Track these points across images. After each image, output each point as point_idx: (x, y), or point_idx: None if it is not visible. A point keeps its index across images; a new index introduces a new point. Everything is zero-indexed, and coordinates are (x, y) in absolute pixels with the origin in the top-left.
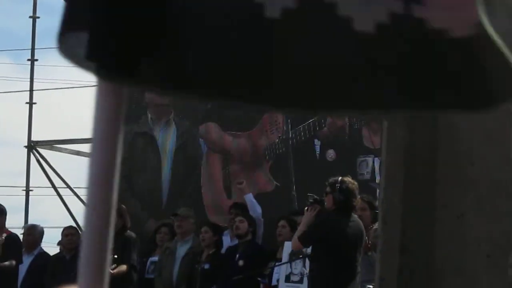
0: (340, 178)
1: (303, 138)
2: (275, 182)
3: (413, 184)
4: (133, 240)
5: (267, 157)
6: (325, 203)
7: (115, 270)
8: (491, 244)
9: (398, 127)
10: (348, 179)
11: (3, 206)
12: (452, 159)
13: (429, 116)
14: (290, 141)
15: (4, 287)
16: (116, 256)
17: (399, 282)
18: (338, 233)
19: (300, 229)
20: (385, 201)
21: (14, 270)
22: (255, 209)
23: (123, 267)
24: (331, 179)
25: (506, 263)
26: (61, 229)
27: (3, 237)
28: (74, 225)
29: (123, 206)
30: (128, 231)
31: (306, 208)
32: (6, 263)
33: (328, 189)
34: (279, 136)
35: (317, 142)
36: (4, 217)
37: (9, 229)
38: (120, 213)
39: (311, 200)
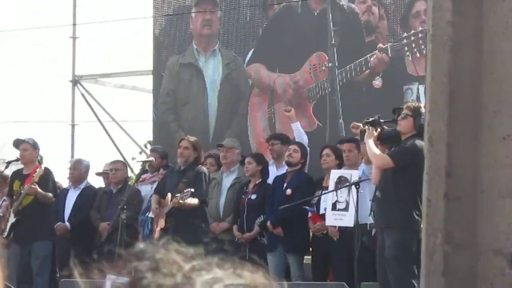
0: (417, 103)
1: (348, 77)
2: (317, 123)
3: (458, 107)
4: (204, 174)
5: (310, 100)
6: (399, 126)
7: (186, 201)
8: None
9: (442, 50)
10: None
11: (35, 141)
12: (497, 82)
13: (474, 40)
14: (337, 79)
15: (43, 218)
16: (193, 190)
17: (446, 206)
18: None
19: (374, 148)
20: (431, 124)
21: (52, 203)
22: (302, 138)
23: (195, 201)
24: (411, 104)
25: None
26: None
27: (42, 170)
28: (121, 158)
29: (197, 140)
30: (200, 165)
31: (362, 129)
32: (45, 193)
33: (408, 112)
34: (325, 75)
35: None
36: (38, 151)
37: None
38: (194, 146)
39: (367, 120)
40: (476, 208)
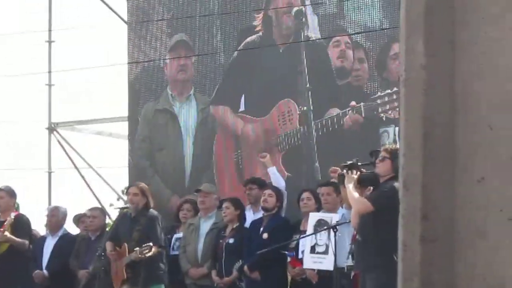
0: (395, 145)
1: (324, 130)
2: (286, 174)
3: (432, 150)
4: (156, 218)
5: (279, 148)
6: (377, 169)
7: (149, 254)
8: None
9: (416, 93)
10: None
11: (12, 188)
12: (470, 124)
13: (447, 82)
14: (312, 124)
15: (19, 266)
16: (151, 244)
17: (422, 249)
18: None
19: (353, 193)
20: (405, 168)
21: (27, 250)
22: (279, 182)
23: (154, 251)
24: (388, 146)
25: None
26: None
27: (12, 218)
28: (98, 205)
29: (145, 185)
30: (151, 209)
31: (340, 173)
32: (19, 240)
33: (386, 154)
34: (298, 125)
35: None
36: (14, 199)
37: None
38: (142, 192)
39: (345, 164)
40: (453, 249)
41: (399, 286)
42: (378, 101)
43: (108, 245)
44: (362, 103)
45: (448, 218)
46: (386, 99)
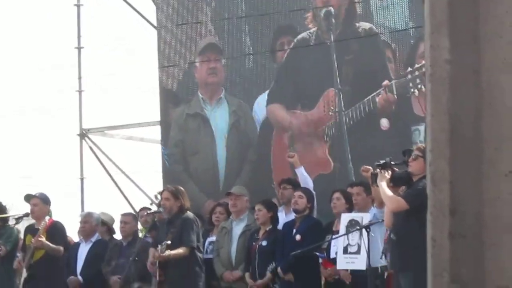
0: None
1: (356, 119)
2: (333, 163)
3: (459, 145)
4: (190, 221)
5: (326, 138)
6: (410, 168)
7: (166, 254)
8: None
9: (441, 88)
10: None
11: (46, 195)
12: (497, 118)
13: (472, 77)
14: (345, 120)
15: (54, 272)
16: (169, 242)
17: (451, 244)
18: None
19: (387, 191)
20: (433, 164)
21: (63, 256)
22: (307, 182)
23: (180, 251)
24: (421, 145)
25: None
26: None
27: (47, 224)
28: (131, 210)
29: (181, 188)
30: (188, 212)
31: (372, 172)
32: (54, 246)
33: (418, 153)
34: (334, 117)
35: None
36: (48, 206)
37: (53, 219)
38: (175, 195)
39: (378, 163)
40: (481, 245)
41: (429, 282)
42: (409, 76)
43: (150, 254)
44: (393, 81)
45: (476, 214)
46: (416, 73)
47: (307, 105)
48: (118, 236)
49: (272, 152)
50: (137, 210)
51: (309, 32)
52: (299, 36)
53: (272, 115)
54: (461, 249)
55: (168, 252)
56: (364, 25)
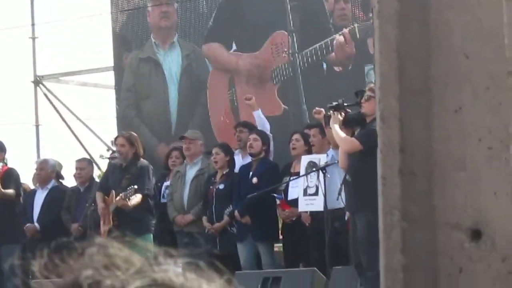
0: None
1: (310, 61)
2: (283, 106)
3: (408, 82)
4: (145, 168)
5: (274, 81)
6: (363, 108)
7: (131, 203)
8: (490, 137)
9: (389, 25)
10: None
11: (2, 143)
12: (444, 55)
13: (420, 14)
14: (298, 63)
15: (7, 215)
16: (136, 187)
17: (401, 182)
18: None
19: (340, 133)
20: (382, 101)
21: (18, 203)
22: (264, 125)
23: (138, 198)
24: (373, 85)
25: (508, 155)
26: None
27: (0, 169)
28: (87, 156)
29: (133, 134)
30: (142, 159)
31: (325, 114)
32: (7, 191)
33: (371, 94)
34: (286, 59)
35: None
36: (4, 153)
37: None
38: (130, 142)
39: (331, 105)
40: (431, 182)
41: (380, 220)
42: (371, 21)
43: (98, 196)
44: (356, 25)
45: (427, 151)
46: None
47: (248, 47)
48: (67, 182)
49: (208, 93)
50: (93, 156)
51: None
52: None
53: (212, 54)
54: (411, 186)
55: (134, 199)
56: None
